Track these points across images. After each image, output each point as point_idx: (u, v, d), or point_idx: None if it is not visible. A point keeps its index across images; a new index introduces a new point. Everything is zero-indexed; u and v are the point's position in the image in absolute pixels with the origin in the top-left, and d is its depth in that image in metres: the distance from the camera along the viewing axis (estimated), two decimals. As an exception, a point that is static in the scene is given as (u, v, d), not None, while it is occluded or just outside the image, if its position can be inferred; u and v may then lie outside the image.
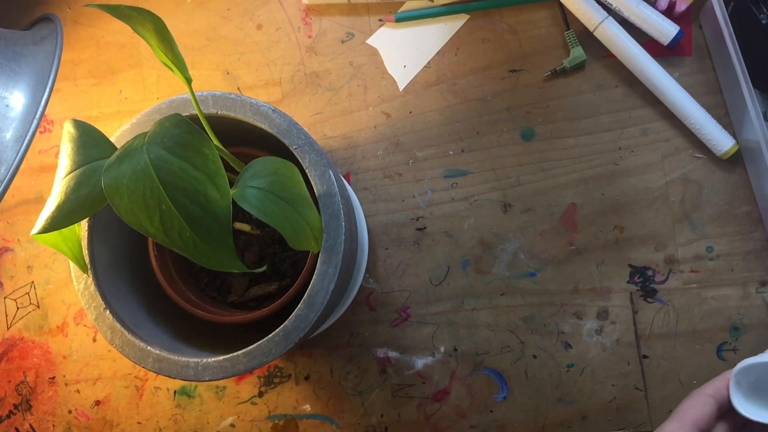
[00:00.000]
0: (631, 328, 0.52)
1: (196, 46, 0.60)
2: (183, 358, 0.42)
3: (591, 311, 0.53)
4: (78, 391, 0.59)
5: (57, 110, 0.62)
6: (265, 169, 0.38)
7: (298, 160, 0.42)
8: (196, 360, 0.41)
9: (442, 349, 0.54)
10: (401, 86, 0.57)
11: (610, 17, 0.52)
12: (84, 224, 0.44)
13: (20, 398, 0.59)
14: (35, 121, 0.43)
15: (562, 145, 0.54)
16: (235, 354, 0.41)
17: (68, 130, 0.36)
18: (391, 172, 0.56)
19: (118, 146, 0.35)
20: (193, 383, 0.57)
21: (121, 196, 0.31)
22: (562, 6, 0.54)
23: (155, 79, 0.60)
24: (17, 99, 0.44)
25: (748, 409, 0.39)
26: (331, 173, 0.42)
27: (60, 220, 0.34)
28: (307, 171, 0.42)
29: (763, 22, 0.48)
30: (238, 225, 0.49)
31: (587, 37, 0.54)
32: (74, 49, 0.62)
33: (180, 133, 0.32)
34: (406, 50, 0.57)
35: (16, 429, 0.59)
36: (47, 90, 0.44)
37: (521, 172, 0.54)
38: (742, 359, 0.51)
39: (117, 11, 0.35)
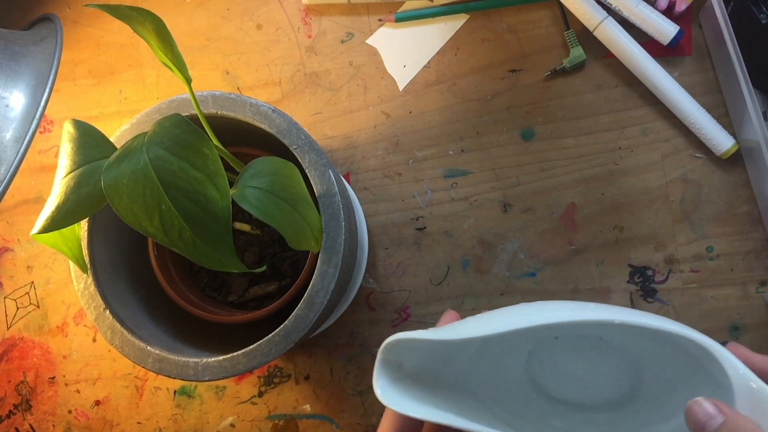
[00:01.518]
0: (631, 327, 0.52)
1: (196, 46, 0.60)
2: (183, 358, 0.42)
3: (591, 311, 0.53)
4: (78, 391, 0.59)
5: (57, 110, 0.62)
6: (265, 169, 0.38)
7: (298, 160, 0.42)
8: (196, 360, 0.41)
9: (442, 349, 0.54)
10: (401, 86, 0.57)
11: (610, 17, 0.52)
12: (84, 224, 0.44)
13: (20, 398, 0.59)
14: (35, 121, 0.43)
15: (562, 145, 0.54)
16: (235, 354, 0.41)
17: (68, 130, 0.36)
18: (391, 172, 0.56)
19: (118, 146, 0.35)
20: (193, 383, 0.57)
21: (121, 195, 0.31)
22: (561, 6, 0.54)
23: (155, 79, 0.60)
24: (17, 99, 0.44)
25: (392, 397, 0.31)
26: (331, 173, 0.42)
27: (60, 220, 0.34)
28: (307, 171, 0.42)
29: (763, 21, 0.48)
30: (238, 225, 0.49)
31: (587, 37, 0.54)
32: (74, 49, 0.62)
33: (180, 133, 0.32)
34: (405, 50, 0.57)
35: (16, 429, 0.59)
36: (47, 90, 0.44)
37: (521, 172, 0.54)
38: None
39: (117, 11, 0.35)
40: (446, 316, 0.36)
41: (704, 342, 0.30)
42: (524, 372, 0.37)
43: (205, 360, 0.41)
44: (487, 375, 0.37)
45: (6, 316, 0.60)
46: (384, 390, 0.31)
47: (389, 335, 0.31)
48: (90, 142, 0.36)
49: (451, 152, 0.55)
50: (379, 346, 0.51)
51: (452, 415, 0.31)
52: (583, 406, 0.36)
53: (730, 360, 0.29)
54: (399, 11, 0.57)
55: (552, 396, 0.37)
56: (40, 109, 0.44)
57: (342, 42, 0.58)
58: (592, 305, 0.32)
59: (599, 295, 0.52)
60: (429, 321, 0.54)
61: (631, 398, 0.36)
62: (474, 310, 0.54)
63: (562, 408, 0.37)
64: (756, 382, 0.29)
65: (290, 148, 0.42)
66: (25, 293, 0.60)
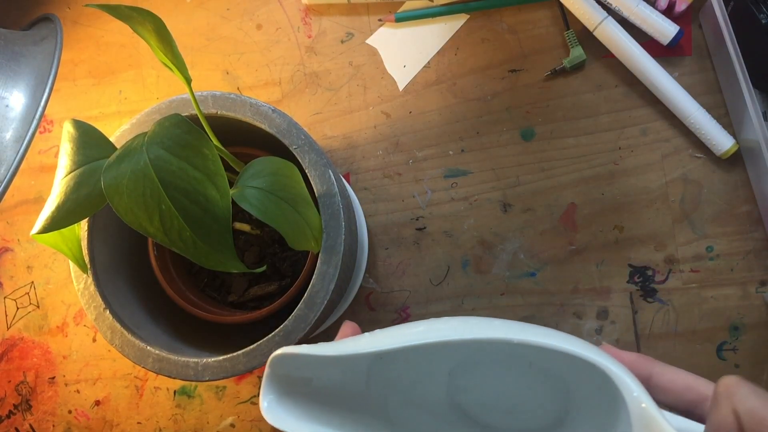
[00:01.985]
0: (631, 327, 0.52)
1: (196, 46, 0.60)
2: (183, 358, 0.42)
3: (591, 311, 0.53)
4: (78, 391, 0.59)
5: (57, 110, 0.62)
6: (265, 169, 0.38)
7: (297, 160, 0.42)
8: (196, 360, 0.41)
9: (442, 349, 0.54)
10: (401, 86, 0.57)
11: (610, 17, 0.52)
12: (84, 224, 0.44)
13: (20, 398, 0.59)
14: (35, 122, 0.43)
15: (562, 144, 0.54)
16: (235, 354, 0.41)
17: (68, 130, 0.36)
18: (391, 172, 0.56)
19: (118, 146, 0.35)
20: (193, 383, 0.57)
21: (121, 195, 0.31)
22: (561, 6, 0.54)
23: (155, 79, 0.60)
24: (17, 99, 0.44)
25: (276, 413, 0.30)
26: (331, 173, 0.42)
27: (60, 220, 0.34)
28: (306, 171, 0.42)
29: (763, 21, 0.48)
30: (238, 225, 0.49)
31: (587, 37, 0.54)
32: (74, 49, 0.62)
33: (180, 133, 0.32)
34: (405, 50, 0.57)
35: (16, 429, 0.59)
36: (47, 90, 0.44)
37: (521, 172, 0.54)
38: (743, 358, 0.51)
39: (117, 11, 0.35)
40: (344, 328, 0.34)
41: (602, 364, 0.28)
42: (445, 394, 0.35)
43: (205, 360, 0.41)
44: (396, 395, 0.34)
45: (6, 316, 0.60)
46: (270, 404, 0.30)
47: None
48: (90, 142, 0.36)
49: (451, 152, 0.55)
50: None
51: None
52: (508, 431, 0.34)
53: (626, 383, 0.28)
54: (399, 11, 0.57)
55: (476, 420, 0.35)
56: (40, 109, 0.44)
57: (342, 42, 0.58)
58: (497, 322, 0.30)
59: (599, 295, 0.52)
60: (429, 321, 0.54)
61: (558, 426, 0.34)
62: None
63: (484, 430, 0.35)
64: (646, 402, 0.27)
65: (290, 148, 0.42)
66: (25, 293, 0.60)
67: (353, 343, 0.31)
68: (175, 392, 0.57)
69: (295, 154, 0.42)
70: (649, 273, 0.52)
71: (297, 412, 0.31)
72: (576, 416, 0.33)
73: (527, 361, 0.34)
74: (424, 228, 0.55)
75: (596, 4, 0.52)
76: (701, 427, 0.27)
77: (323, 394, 0.32)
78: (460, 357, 0.34)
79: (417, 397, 0.35)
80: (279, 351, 0.30)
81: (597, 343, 0.52)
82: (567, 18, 0.54)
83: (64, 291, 0.60)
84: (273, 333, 0.41)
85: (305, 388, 0.32)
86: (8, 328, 0.60)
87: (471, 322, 0.30)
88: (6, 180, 0.41)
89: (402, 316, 0.55)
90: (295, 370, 0.31)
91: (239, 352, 0.41)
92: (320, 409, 0.31)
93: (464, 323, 0.30)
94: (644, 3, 0.51)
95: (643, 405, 0.27)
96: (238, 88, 0.59)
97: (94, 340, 0.59)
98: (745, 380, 0.25)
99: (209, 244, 0.32)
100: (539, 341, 0.29)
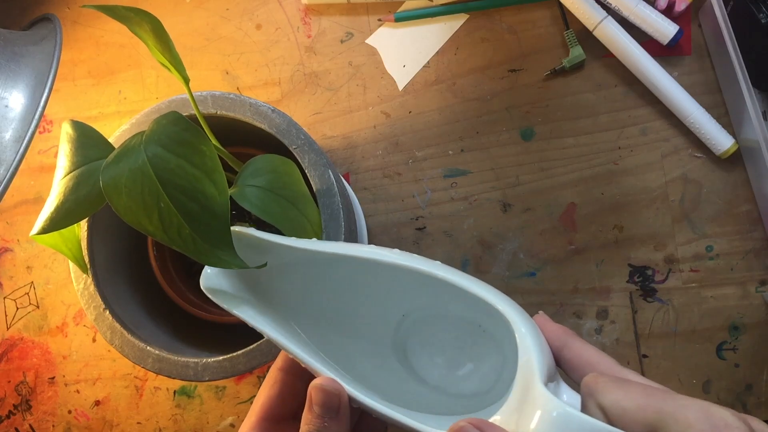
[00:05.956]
0: (631, 327, 0.52)
1: (195, 46, 0.60)
2: (183, 358, 0.42)
3: (591, 311, 0.53)
4: (78, 391, 0.59)
5: (56, 110, 0.62)
6: (264, 167, 0.38)
7: (297, 160, 0.42)
8: (195, 360, 0.41)
9: (441, 349, 0.54)
10: (400, 86, 0.57)
11: (610, 17, 0.52)
12: (83, 224, 0.44)
13: (20, 398, 0.59)
14: (34, 122, 0.43)
15: (562, 144, 0.54)
16: (235, 354, 0.41)
17: (66, 131, 0.36)
18: (390, 172, 0.56)
19: (117, 147, 0.35)
20: (193, 383, 0.57)
21: (120, 195, 0.31)
22: (561, 5, 0.54)
23: (154, 79, 0.60)
24: (16, 99, 0.44)
25: (210, 279, 0.32)
26: (331, 173, 0.42)
27: (59, 220, 0.34)
28: (306, 171, 0.42)
29: (763, 21, 0.48)
30: (239, 225, 0.48)
31: (586, 37, 0.54)
32: (73, 49, 0.62)
33: (177, 130, 0.32)
34: (405, 50, 0.57)
35: (16, 429, 0.59)
36: (46, 90, 0.44)
37: (521, 172, 0.54)
38: (743, 357, 0.51)
39: (114, 12, 0.35)
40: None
41: (506, 313, 0.28)
42: (393, 331, 0.35)
43: (205, 360, 0.41)
44: (339, 312, 0.35)
45: (6, 316, 0.60)
46: (210, 272, 0.32)
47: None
48: (88, 143, 0.36)
49: (450, 152, 0.55)
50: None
51: (256, 314, 0.32)
52: (440, 388, 0.35)
53: (525, 341, 0.27)
54: (398, 11, 0.57)
55: (414, 369, 0.35)
56: (40, 109, 0.44)
57: (341, 42, 0.58)
58: (436, 264, 0.31)
59: (599, 294, 0.52)
60: (429, 321, 0.54)
61: (487, 392, 0.33)
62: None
63: (418, 383, 0.35)
64: (534, 359, 0.26)
65: (290, 148, 0.42)
66: (25, 293, 0.60)
67: (300, 241, 0.33)
68: (175, 392, 0.57)
69: (295, 154, 0.42)
70: (649, 273, 0.52)
71: (246, 295, 0.33)
72: (502, 385, 0.33)
73: (477, 324, 0.34)
74: (424, 228, 0.55)
75: (596, 4, 0.52)
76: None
77: (270, 290, 0.34)
78: (416, 301, 0.35)
79: (363, 325, 0.36)
80: (236, 228, 0.33)
81: (595, 343, 0.52)
82: (566, 18, 0.54)
83: (63, 291, 0.60)
84: (272, 333, 0.40)
85: (252, 275, 0.34)
86: (8, 329, 0.60)
87: (408, 255, 0.31)
88: (6, 180, 0.41)
89: (402, 316, 0.54)
90: (248, 248, 0.33)
91: (239, 352, 0.41)
92: (258, 300, 0.34)
93: (401, 254, 0.31)
94: (644, 3, 0.51)
95: (529, 361, 0.26)
96: (237, 88, 0.59)
97: (94, 340, 0.59)
98: (602, 374, 0.26)
99: (208, 241, 0.32)
100: (456, 280, 0.29)
